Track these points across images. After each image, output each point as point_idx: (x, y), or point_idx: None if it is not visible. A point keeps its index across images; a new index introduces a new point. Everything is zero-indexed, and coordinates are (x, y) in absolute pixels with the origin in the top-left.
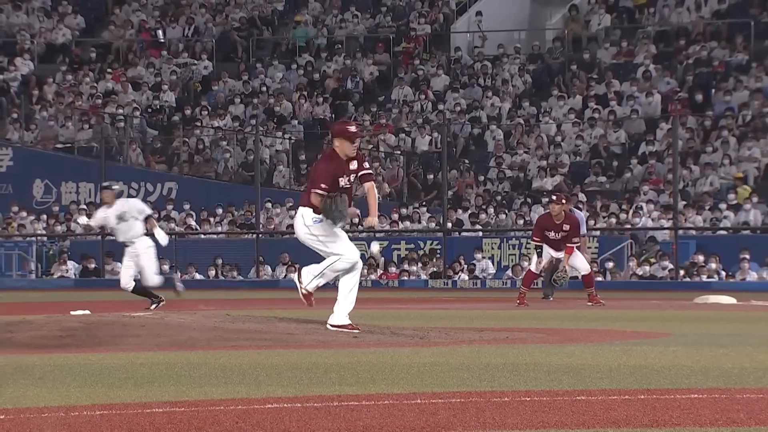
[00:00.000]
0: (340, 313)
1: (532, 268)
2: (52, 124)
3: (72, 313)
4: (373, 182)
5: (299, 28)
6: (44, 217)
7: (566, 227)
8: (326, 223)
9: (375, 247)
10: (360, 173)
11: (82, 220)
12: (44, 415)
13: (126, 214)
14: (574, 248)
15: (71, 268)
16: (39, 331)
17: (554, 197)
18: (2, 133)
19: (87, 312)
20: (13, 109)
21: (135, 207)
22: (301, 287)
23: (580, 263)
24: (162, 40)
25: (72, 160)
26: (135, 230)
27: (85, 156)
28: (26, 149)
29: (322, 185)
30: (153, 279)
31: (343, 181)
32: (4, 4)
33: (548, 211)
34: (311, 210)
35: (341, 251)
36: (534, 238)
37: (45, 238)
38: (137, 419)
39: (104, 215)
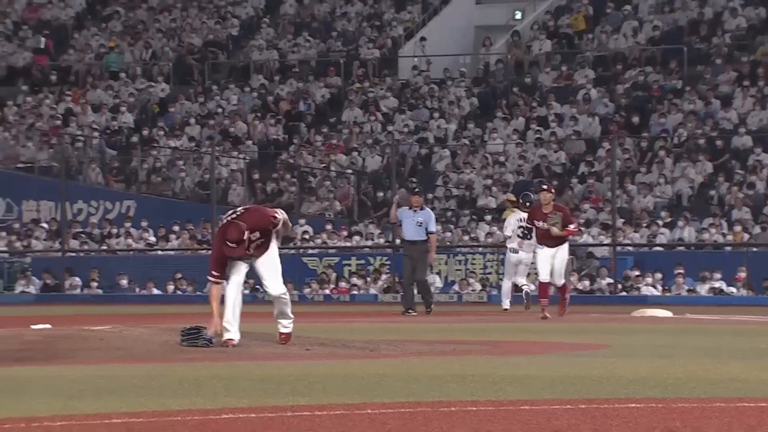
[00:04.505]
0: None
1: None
2: (13, 143)
3: (32, 327)
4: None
5: (111, 54)
6: (3, 234)
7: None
8: None
9: None
10: None
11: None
12: (6, 426)
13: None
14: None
15: (34, 283)
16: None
17: (544, 186)
18: None
19: (48, 326)
20: None
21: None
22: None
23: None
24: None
25: (33, 180)
26: None
27: (46, 175)
28: None
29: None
30: None
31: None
32: None
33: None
34: None
35: None
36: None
37: (6, 255)
38: (97, 429)
39: None
